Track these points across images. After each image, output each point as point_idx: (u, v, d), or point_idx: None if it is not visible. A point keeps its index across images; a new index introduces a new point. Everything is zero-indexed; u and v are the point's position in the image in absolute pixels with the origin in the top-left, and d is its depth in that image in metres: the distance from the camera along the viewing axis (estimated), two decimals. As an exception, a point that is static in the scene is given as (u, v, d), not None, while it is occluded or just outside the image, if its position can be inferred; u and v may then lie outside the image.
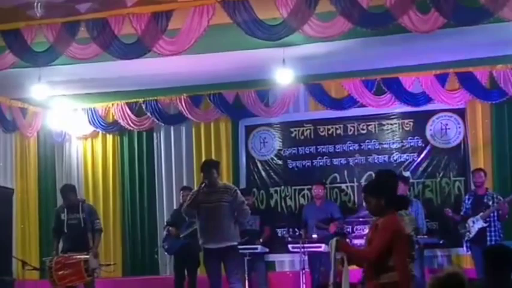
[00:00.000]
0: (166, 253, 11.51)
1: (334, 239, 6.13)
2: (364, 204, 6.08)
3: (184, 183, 12.85)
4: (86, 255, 10.00)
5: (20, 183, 13.42)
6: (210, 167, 9.30)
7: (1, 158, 13.21)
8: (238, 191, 9.41)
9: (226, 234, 9.04)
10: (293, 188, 12.73)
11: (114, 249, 13.13)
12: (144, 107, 13.16)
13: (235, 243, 9.21)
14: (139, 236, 13.30)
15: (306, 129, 12.75)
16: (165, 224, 11.47)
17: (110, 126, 13.54)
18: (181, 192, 11.51)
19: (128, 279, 12.56)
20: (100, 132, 13.71)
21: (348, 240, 8.88)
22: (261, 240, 11.26)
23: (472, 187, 11.20)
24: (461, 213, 10.89)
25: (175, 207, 12.10)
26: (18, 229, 13.07)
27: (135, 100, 13.20)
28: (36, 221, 13.64)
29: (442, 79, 11.81)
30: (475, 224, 10.62)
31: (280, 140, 12.89)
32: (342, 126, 12.58)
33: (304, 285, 10.89)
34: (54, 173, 13.93)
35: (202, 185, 9.14)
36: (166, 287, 10.84)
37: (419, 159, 12.11)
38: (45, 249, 12.95)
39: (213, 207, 9.05)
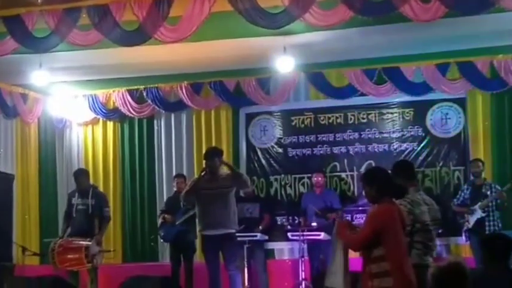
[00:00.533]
0: (162, 240, 11.52)
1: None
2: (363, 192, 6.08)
3: (185, 171, 12.89)
4: (89, 241, 10.07)
5: (21, 169, 13.43)
6: (212, 155, 9.34)
7: (2, 144, 13.22)
8: (246, 177, 9.50)
9: (224, 221, 9.07)
10: (293, 176, 12.74)
11: (114, 236, 13.16)
12: (144, 94, 13.16)
13: (233, 230, 9.23)
14: (139, 223, 13.34)
15: (307, 118, 12.76)
16: (160, 211, 11.48)
17: (110, 113, 13.55)
18: (176, 179, 11.55)
19: (128, 266, 12.58)
20: (101, 119, 13.71)
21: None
22: (260, 228, 11.27)
23: (471, 177, 11.23)
24: (458, 202, 10.92)
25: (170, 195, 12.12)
26: (18, 215, 13.09)
27: (135, 87, 13.20)
28: (37, 207, 13.66)
29: (442, 68, 11.81)
30: (474, 214, 10.65)
31: (281, 128, 12.89)
32: (342, 115, 12.58)
33: (303, 273, 10.92)
34: (55, 159, 13.96)
35: (203, 173, 9.18)
36: (165, 273, 10.85)
37: (419, 148, 12.12)
38: (45, 234, 12.99)
39: (213, 194, 9.07)
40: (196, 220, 9.53)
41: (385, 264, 5.52)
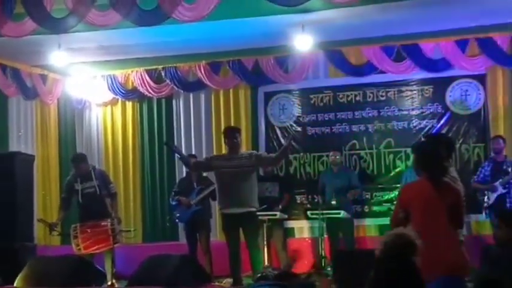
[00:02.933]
0: (177, 221, 11.54)
1: None
2: None
3: (203, 150, 12.93)
4: (111, 221, 10.04)
5: (41, 149, 13.52)
6: (232, 133, 9.36)
7: (22, 125, 13.30)
8: (257, 152, 9.60)
9: (244, 200, 9.06)
10: (312, 154, 12.72)
11: (134, 216, 13.23)
12: (163, 74, 13.16)
13: (254, 209, 9.20)
14: (158, 202, 13.39)
15: (325, 96, 12.71)
16: (173, 192, 11.46)
17: (129, 93, 13.57)
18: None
19: (148, 245, 12.64)
20: (119, 99, 13.74)
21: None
22: (280, 206, 11.28)
23: (491, 154, 11.17)
24: (478, 179, 10.87)
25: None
26: (39, 196, 13.18)
27: (154, 67, 13.21)
28: (57, 187, 13.71)
29: (462, 45, 11.72)
30: (494, 191, 10.61)
31: (299, 106, 12.86)
32: (361, 92, 12.53)
33: (323, 251, 10.94)
34: (75, 140, 14.01)
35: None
36: (185, 252, 10.89)
37: (439, 125, 12.04)
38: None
39: (233, 173, 9.05)
40: (217, 199, 9.57)
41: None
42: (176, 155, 10.78)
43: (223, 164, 9.15)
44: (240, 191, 9.05)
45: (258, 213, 9.53)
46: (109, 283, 9.63)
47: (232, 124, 12.60)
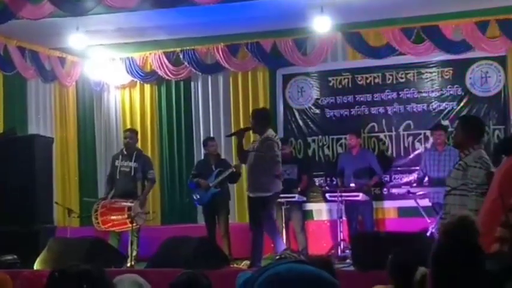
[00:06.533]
0: (196, 203, 11.55)
1: None
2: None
3: (222, 133, 12.92)
4: (132, 202, 10.21)
5: (60, 132, 13.55)
6: (254, 116, 9.41)
7: (41, 107, 13.33)
8: (273, 143, 9.15)
9: (255, 185, 9.15)
10: (330, 137, 12.67)
11: (153, 198, 13.23)
12: (181, 56, 13.14)
13: (267, 194, 9.09)
14: (177, 185, 13.42)
15: (344, 78, 12.65)
16: (191, 175, 11.47)
17: (147, 76, 13.56)
18: (208, 142, 11.49)
19: (167, 227, 12.67)
20: (138, 81, 13.74)
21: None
22: (298, 189, 11.26)
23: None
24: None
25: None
26: (58, 178, 13.23)
27: (172, 49, 13.19)
28: (76, 170, 13.80)
29: (482, 26, 11.61)
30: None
31: (318, 89, 12.81)
32: (380, 75, 12.45)
33: (341, 234, 10.92)
34: (93, 122, 14.05)
35: (237, 133, 9.53)
36: (204, 234, 10.90)
37: (459, 107, 11.95)
38: (85, 196, 13.12)
39: (250, 158, 9.22)
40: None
41: None
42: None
43: (250, 148, 9.36)
44: (251, 176, 9.22)
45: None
46: (128, 264, 9.70)
47: (251, 106, 12.61)
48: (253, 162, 9.15)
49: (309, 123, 12.78)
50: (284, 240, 10.35)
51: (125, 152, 10.88)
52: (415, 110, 12.24)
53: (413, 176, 11.76)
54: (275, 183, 9.18)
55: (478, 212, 5.70)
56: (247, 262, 9.74)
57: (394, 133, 12.31)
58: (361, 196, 10.97)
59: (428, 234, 9.66)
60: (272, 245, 9.53)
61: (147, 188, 10.84)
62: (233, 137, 10.90)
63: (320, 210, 12.48)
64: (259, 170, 9.09)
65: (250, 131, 9.99)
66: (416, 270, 4.55)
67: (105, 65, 13.52)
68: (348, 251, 10.31)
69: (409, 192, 10.77)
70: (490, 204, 5.70)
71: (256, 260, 9.02)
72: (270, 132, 9.25)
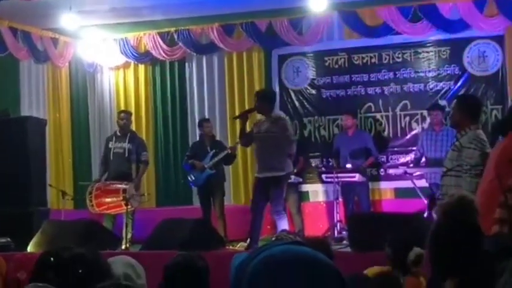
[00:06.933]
0: (191, 185, 11.52)
1: None
2: None
3: (217, 113, 12.90)
4: (126, 184, 10.17)
5: (53, 113, 13.50)
6: (259, 97, 9.41)
7: (33, 88, 13.26)
8: (284, 121, 9.39)
9: (271, 165, 9.09)
10: (327, 117, 12.61)
11: (148, 180, 13.18)
12: (175, 36, 13.06)
13: (281, 174, 9.16)
14: (172, 166, 13.37)
15: (340, 58, 12.56)
16: (186, 156, 11.44)
17: (141, 57, 13.48)
18: (203, 123, 11.45)
19: (162, 209, 12.62)
20: (132, 62, 13.66)
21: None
22: (294, 170, 11.20)
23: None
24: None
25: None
26: (51, 160, 13.18)
27: (166, 30, 13.11)
28: (70, 152, 13.77)
29: (480, 5, 11.52)
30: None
31: (314, 69, 12.72)
32: (376, 54, 12.36)
33: (337, 215, 10.88)
34: (87, 104, 13.98)
35: (241, 115, 9.42)
36: (199, 216, 10.86)
37: (456, 87, 11.88)
38: (79, 179, 13.09)
39: (262, 138, 9.19)
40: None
41: None
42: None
43: (256, 130, 9.29)
44: (266, 156, 9.14)
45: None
46: (123, 247, 9.65)
47: (246, 87, 12.62)
48: (267, 143, 9.14)
49: (305, 103, 12.71)
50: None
51: (119, 134, 10.83)
52: (411, 90, 12.16)
53: (410, 157, 11.72)
54: (288, 163, 9.30)
55: (473, 194, 5.64)
56: (243, 244, 9.73)
57: (390, 113, 12.24)
58: (357, 177, 10.92)
59: (425, 215, 9.62)
60: (269, 227, 9.49)
61: (141, 171, 10.81)
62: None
63: (316, 192, 12.44)
64: (273, 151, 9.10)
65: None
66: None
67: (98, 46, 13.42)
68: (344, 232, 10.28)
69: (406, 172, 10.74)
70: (487, 185, 5.64)
71: (254, 242, 8.98)
72: (278, 112, 9.32)
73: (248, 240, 9.29)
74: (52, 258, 3.17)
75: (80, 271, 3.10)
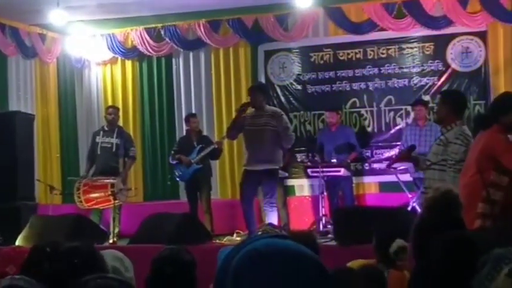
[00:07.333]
0: (178, 180, 11.58)
1: None
2: None
3: (204, 109, 12.95)
4: (114, 179, 10.22)
5: (41, 109, 13.49)
6: (254, 91, 9.50)
7: (21, 84, 13.26)
8: (284, 117, 9.67)
9: (268, 158, 9.26)
10: (312, 113, 12.68)
11: (135, 175, 13.22)
12: (162, 32, 13.10)
13: (276, 166, 9.44)
14: (159, 161, 13.40)
15: (326, 54, 12.64)
16: (173, 151, 11.49)
17: (129, 52, 13.51)
18: (190, 119, 11.51)
19: (149, 204, 12.68)
20: (119, 58, 13.68)
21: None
22: (281, 164, 11.27)
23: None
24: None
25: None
26: (39, 155, 13.20)
27: (153, 25, 13.14)
28: (57, 147, 13.77)
29: (463, 1, 11.62)
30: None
31: (299, 64, 12.79)
32: (361, 50, 12.43)
33: (323, 209, 10.97)
34: (74, 99, 13.99)
35: (242, 108, 9.47)
36: (186, 210, 10.92)
37: (440, 82, 11.97)
38: (67, 174, 13.12)
39: (258, 131, 9.31)
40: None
41: None
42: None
43: (248, 122, 9.39)
44: (263, 149, 9.26)
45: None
46: (111, 241, 9.71)
47: (232, 82, 12.69)
48: (264, 136, 9.28)
49: (291, 99, 12.79)
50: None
51: (106, 128, 10.88)
52: (396, 85, 12.26)
53: (394, 151, 11.82)
54: (281, 157, 9.58)
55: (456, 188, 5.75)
56: (230, 237, 9.85)
57: (375, 108, 12.33)
58: (342, 171, 11.00)
59: (409, 208, 9.74)
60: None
61: (128, 165, 10.89)
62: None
63: (302, 186, 12.52)
64: (270, 144, 9.29)
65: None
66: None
67: (86, 42, 13.44)
68: (329, 226, 10.37)
69: (390, 167, 10.81)
70: (469, 179, 5.74)
71: (253, 233, 9.10)
72: (272, 106, 9.45)
73: (247, 233, 9.40)
74: (48, 249, 3.25)
75: (75, 261, 3.18)
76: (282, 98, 12.78)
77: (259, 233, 8.30)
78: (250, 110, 9.59)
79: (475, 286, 2.24)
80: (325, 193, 11.18)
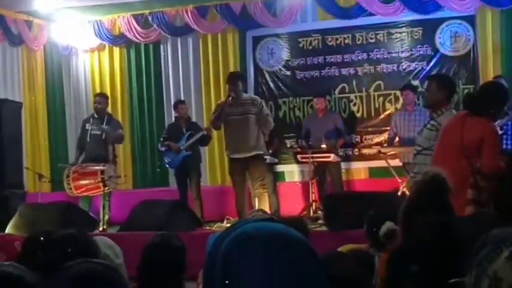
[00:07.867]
0: (168, 167, 11.56)
1: None
2: None
3: (192, 95, 12.91)
4: (104, 166, 10.20)
5: (28, 96, 13.45)
6: (235, 79, 9.48)
7: (8, 71, 13.20)
8: (264, 103, 9.71)
9: (252, 144, 9.30)
10: (301, 98, 12.66)
11: (125, 162, 13.20)
12: (150, 19, 13.04)
13: (262, 151, 9.52)
14: (148, 148, 13.38)
15: (314, 39, 12.61)
16: (162, 138, 11.44)
17: (116, 39, 13.45)
18: (179, 105, 11.47)
19: (139, 191, 12.66)
20: (107, 45, 13.62)
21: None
22: (270, 151, 11.26)
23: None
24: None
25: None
26: (27, 143, 13.16)
27: (141, 12, 13.08)
28: (45, 134, 13.73)
29: (451, -15, 11.63)
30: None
31: (288, 50, 12.76)
32: (350, 35, 12.41)
33: (313, 195, 10.96)
34: (62, 86, 13.93)
35: (230, 98, 9.33)
36: (176, 197, 10.91)
37: (429, 67, 11.96)
38: (55, 161, 13.08)
39: (240, 119, 9.28)
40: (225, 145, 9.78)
41: None
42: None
43: (228, 111, 9.32)
44: (247, 136, 9.29)
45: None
46: (101, 228, 9.69)
47: (221, 68, 12.65)
48: (246, 123, 9.29)
49: (280, 85, 12.76)
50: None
51: (96, 116, 10.84)
52: (385, 70, 12.25)
53: (384, 137, 11.81)
54: (263, 141, 9.69)
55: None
56: (220, 224, 9.85)
57: (364, 94, 12.32)
58: (332, 157, 10.98)
59: (399, 193, 9.74)
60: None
61: (115, 137, 10.89)
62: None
63: (292, 172, 12.52)
64: (253, 131, 9.33)
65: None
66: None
67: (73, 29, 13.36)
68: (319, 211, 10.37)
69: (379, 152, 10.82)
70: (456, 164, 5.67)
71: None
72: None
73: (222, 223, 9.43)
74: (42, 238, 3.23)
75: (69, 250, 3.16)
76: (271, 84, 12.76)
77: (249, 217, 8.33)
78: (224, 99, 9.62)
79: (474, 265, 2.22)
80: (315, 178, 11.17)
